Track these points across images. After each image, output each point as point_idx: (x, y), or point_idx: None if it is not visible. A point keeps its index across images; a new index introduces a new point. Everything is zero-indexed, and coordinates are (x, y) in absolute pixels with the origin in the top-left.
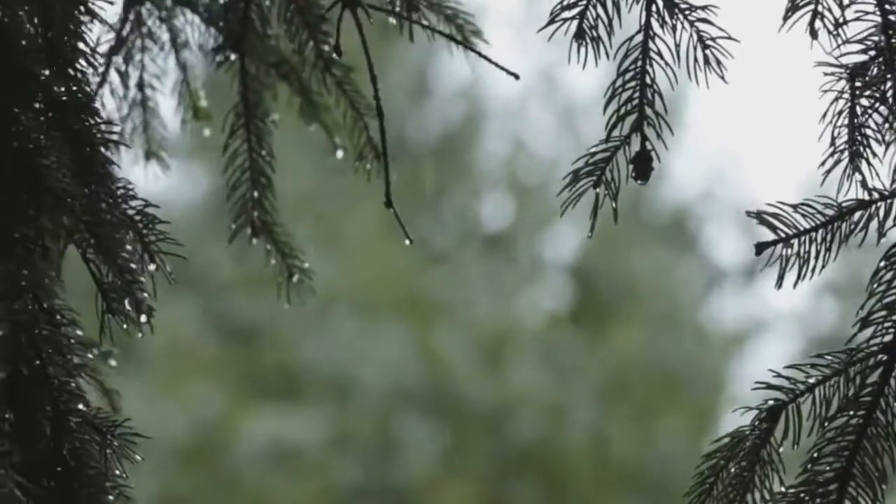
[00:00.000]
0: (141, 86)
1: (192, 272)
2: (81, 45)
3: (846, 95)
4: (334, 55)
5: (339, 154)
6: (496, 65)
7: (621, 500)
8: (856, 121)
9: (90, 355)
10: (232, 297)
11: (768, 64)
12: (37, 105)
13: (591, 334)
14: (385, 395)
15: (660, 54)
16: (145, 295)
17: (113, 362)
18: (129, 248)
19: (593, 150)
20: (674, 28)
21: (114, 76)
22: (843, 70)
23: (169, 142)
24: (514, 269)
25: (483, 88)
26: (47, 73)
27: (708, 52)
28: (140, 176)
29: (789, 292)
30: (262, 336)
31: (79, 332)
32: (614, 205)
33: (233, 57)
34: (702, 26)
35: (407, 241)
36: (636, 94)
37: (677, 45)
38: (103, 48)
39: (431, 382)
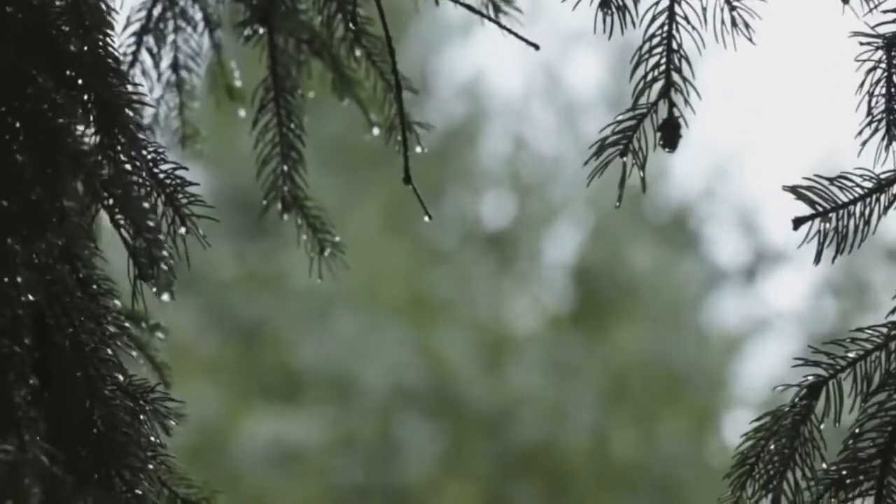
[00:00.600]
0: (175, 67)
1: (192, 272)
2: (107, 10)
3: (883, 65)
4: (350, 25)
5: (375, 131)
6: (516, 35)
7: (622, 502)
8: (893, 90)
9: (128, 325)
10: (232, 296)
11: (774, 55)
12: (58, 66)
13: (592, 334)
14: (386, 395)
15: (686, 19)
16: (165, 253)
17: (161, 335)
18: (146, 205)
19: (620, 118)
20: None
21: (145, 56)
22: (879, 40)
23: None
24: (515, 269)
25: (484, 87)
26: (71, 35)
27: (735, 13)
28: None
29: (789, 292)
30: (263, 336)
31: (116, 303)
32: (642, 174)
33: (261, 31)
34: None
35: (426, 218)
36: (663, 60)
37: (704, 9)
38: (134, 27)
39: (432, 383)
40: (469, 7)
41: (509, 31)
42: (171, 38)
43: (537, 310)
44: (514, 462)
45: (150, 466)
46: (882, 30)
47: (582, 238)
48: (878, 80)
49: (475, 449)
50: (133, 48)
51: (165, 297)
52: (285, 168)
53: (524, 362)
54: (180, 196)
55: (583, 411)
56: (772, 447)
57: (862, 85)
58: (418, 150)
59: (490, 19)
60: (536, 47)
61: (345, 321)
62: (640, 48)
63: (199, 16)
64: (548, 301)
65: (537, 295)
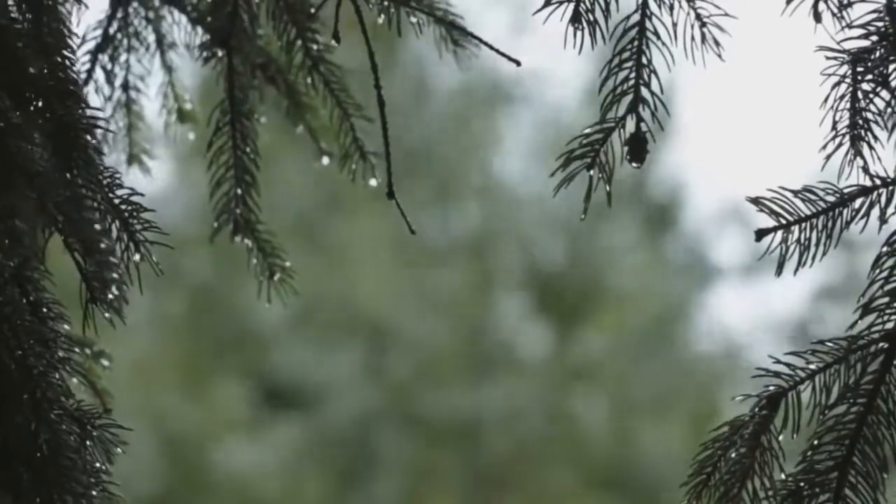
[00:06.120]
0: (126, 87)
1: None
2: (67, 32)
3: (848, 80)
4: (326, 44)
5: (325, 161)
6: (497, 51)
7: None
8: (857, 105)
9: (77, 350)
10: (211, 301)
11: (769, 56)
12: (17, 87)
13: (577, 336)
14: (358, 409)
15: (657, 34)
16: (115, 275)
17: (106, 362)
18: (98, 227)
19: (587, 131)
20: (671, 7)
21: (99, 74)
22: (845, 55)
23: (161, 144)
24: (495, 272)
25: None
26: (31, 56)
27: (705, 30)
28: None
29: (789, 296)
30: (241, 348)
31: (66, 327)
32: (608, 188)
33: (220, 53)
34: (699, 4)
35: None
36: (632, 75)
37: (675, 25)
38: (89, 45)
39: (406, 396)
40: (446, 24)
41: (491, 47)
42: (123, 57)
43: (521, 313)
44: (490, 473)
45: (94, 493)
46: (848, 45)
47: (566, 241)
48: (843, 95)
49: (450, 462)
50: (88, 66)
51: (117, 320)
52: (239, 191)
53: (506, 370)
54: (135, 222)
55: (577, 419)
56: (731, 456)
57: (826, 99)
58: (372, 182)
59: (472, 36)
60: (518, 63)
61: (319, 335)
62: (610, 62)
63: (151, 37)
64: (539, 303)
65: (522, 298)
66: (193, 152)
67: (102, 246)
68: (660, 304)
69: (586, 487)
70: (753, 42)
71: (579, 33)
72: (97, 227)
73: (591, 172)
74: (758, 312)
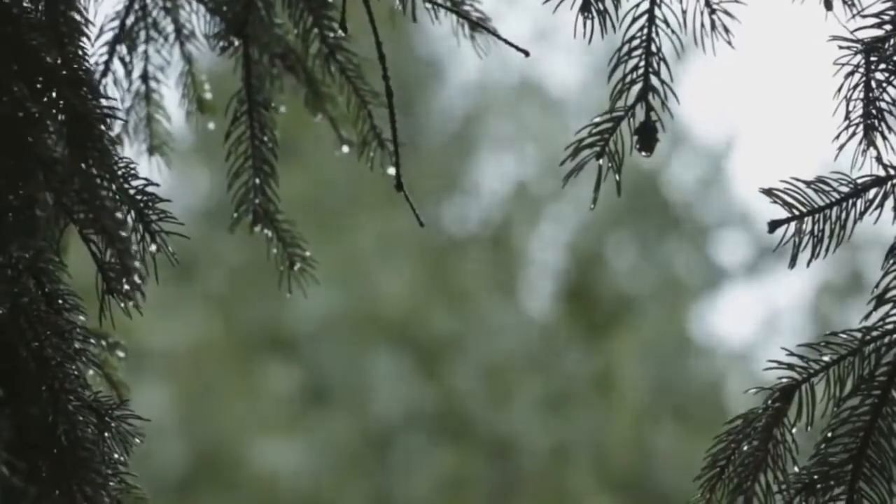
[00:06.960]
0: (145, 77)
1: (194, 275)
2: (83, 21)
3: (861, 70)
4: (341, 32)
5: (346, 149)
6: (506, 41)
7: None
8: (870, 95)
9: (93, 341)
10: (241, 303)
11: (775, 51)
12: (33, 77)
13: (591, 343)
14: (390, 418)
15: (666, 22)
16: (137, 264)
17: (121, 354)
18: (119, 215)
19: (597, 119)
20: None
21: (117, 66)
22: (858, 44)
23: (172, 140)
24: (509, 273)
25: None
26: (44, 45)
27: (714, 17)
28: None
29: (792, 294)
30: (268, 351)
31: (81, 318)
32: (618, 177)
33: (236, 42)
34: None
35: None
36: (641, 63)
37: (684, 12)
38: (107, 36)
39: (436, 407)
40: (458, 13)
41: (499, 37)
42: (141, 48)
43: (534, 320)
44: (515, 485)
45: (112, 483)
46: (862, 34)
47: (576, 246)
48: (856, 85)
49: (477, 472)
50: (105, 57)
51: (134, 310)
52: (257, 181)
53: (522, 377)
54: (150, 212)
55: (585, 426)
56: (744, 448)
57: (840, 89)
58: (390, 170)
59: (481, 25)
60: (526, 54)
61: (351, 343)
62: (619, 50)
63: (170, 27)
64: (546, 309)
65: (534, 305)
66: (193, 150)
67: (123, 234)
68: (674, 307)
69: (606, 492)
70: (764, 30)
71: (589, 23)
72: (118, 214)
73: (601, 162)
74: (766, 314)
